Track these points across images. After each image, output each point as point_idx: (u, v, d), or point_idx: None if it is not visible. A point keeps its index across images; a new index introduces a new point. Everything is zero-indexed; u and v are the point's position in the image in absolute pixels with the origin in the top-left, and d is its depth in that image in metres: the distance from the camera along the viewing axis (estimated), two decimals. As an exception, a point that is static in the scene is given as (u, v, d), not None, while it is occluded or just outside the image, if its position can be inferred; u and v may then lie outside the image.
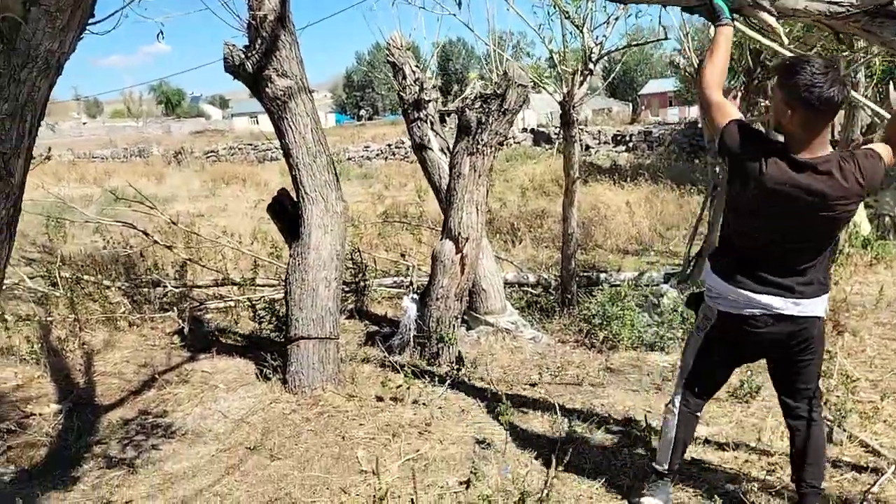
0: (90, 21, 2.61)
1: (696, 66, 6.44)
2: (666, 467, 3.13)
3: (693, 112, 38.66)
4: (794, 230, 2.58)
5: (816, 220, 2.54)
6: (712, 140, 6.76)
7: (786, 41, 2.69)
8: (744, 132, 2.60)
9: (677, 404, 3.09)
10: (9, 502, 3.37)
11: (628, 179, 15.24)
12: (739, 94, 6.50)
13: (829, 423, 3.88)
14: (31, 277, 7.37)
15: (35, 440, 4.30)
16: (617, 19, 5.98)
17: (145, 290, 7.15)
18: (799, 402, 2.95)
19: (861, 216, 8.58)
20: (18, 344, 5.80)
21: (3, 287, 2.64)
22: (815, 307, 2.70)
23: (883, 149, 2.59)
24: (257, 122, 61.11)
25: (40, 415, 4.64)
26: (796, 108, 2.45)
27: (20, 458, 4.08)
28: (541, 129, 28.82)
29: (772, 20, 2.70)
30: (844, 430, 3.78)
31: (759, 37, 3.19)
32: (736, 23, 2.84)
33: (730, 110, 2.67)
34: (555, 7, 6.03)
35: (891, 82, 7.84)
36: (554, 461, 3.41)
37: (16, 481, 3.80)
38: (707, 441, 3.85)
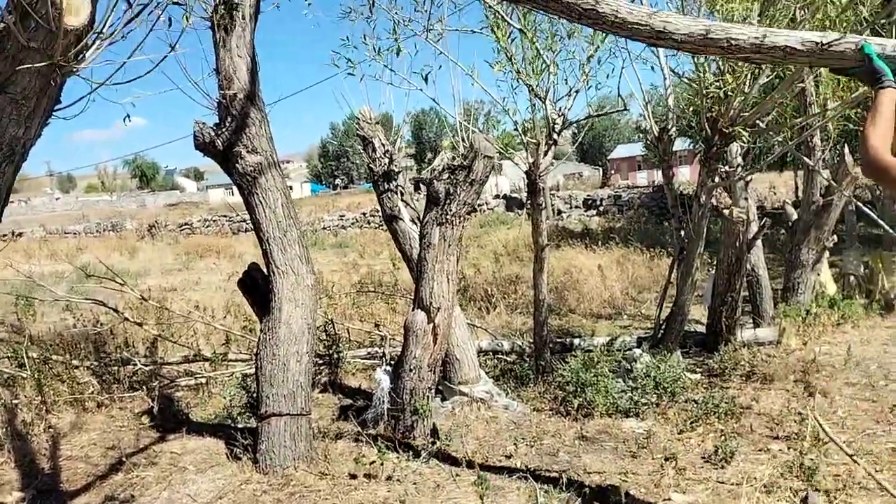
0: (57, 107, 2.65)
1: (657, 135, 6.63)
2: None
3: (659, 176, 39.54)
4: None
5: None
6: (675, 206, 6.90)
7: None
8: None
9: None
10: None
11: (599, 243, 15.45)
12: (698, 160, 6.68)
13: (806, 487, 3.88)
14: (-3, 359, 7.20)
15: (-5, 531, 4.15)
16: (578, 91, 6.18)
17: (115, 368, 7.01)
18: None
19: (826, 276, 8.75)
20: (-18, 429, 5.64)
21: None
22: None
23: None
24: (232, 194, 61.22)
25: (3, 503, 4.48)
26: None
27: (-22, 552, 3.93)
28: (513, 194, 29.28)
29: None
30: (818, 492, 3.77)
31: None
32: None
33: None
34: (518, 80, 6.22)
35: (846, 145, 8.13)
36: (530, 536, 3.36)
37: (-28, 577, 3.65)
38: (684, 509, 3.82)
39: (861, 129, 2.58)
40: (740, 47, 2.67)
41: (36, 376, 6.49)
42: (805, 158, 7.57)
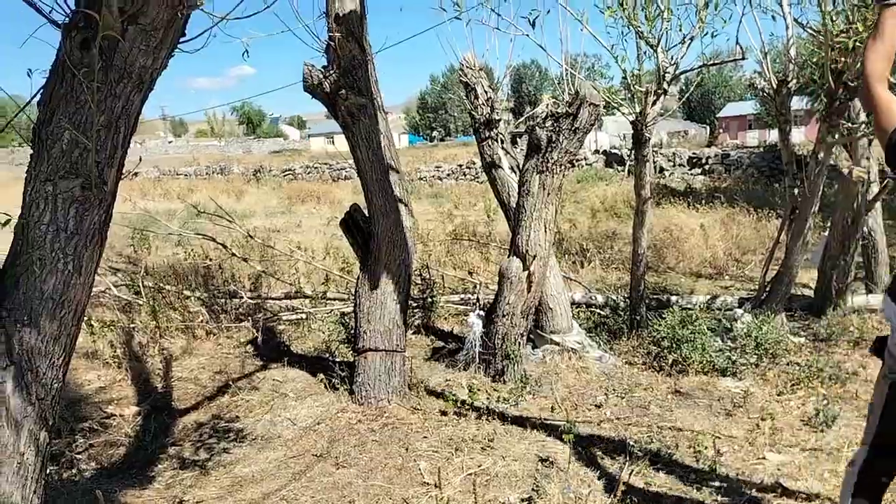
0: (181, 39, 2.76)
1: (775, 88, 6.28)
2: None
3: (773, 136, 37.46)
4: None
5: None
6: (790, 162, 6.55)
7: None
8: None
9: (858, 464, 2.59)
10: (89, 497, 3.53)
11: (703, 202, 14.88)
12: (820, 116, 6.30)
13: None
14: (116, 286, 7.72)
15: (115, 440, 4.51)
16: (692, 39, 5.90)
17: (222, 300, 7.41)
18: None
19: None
20: (103, 348, 6.10)
21: (91, 293, 2.78)
22: None
23: None
24: (333, 143, 62.57)
25: (121, 416, 4.86)
26: None
27: (100, 456, 4.28)
28: (613, 150, 28.51)
29: None
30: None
31: None
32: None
33: None
34: (629, 27, 6.00)
35: None
36: (618, 485, 3.37)
37: (96, 477, 3.99)
38: (778, 469, 3.73)
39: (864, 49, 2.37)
40: None
41: (151, 304, 6.94)
42: (939, 117, 6.98)
